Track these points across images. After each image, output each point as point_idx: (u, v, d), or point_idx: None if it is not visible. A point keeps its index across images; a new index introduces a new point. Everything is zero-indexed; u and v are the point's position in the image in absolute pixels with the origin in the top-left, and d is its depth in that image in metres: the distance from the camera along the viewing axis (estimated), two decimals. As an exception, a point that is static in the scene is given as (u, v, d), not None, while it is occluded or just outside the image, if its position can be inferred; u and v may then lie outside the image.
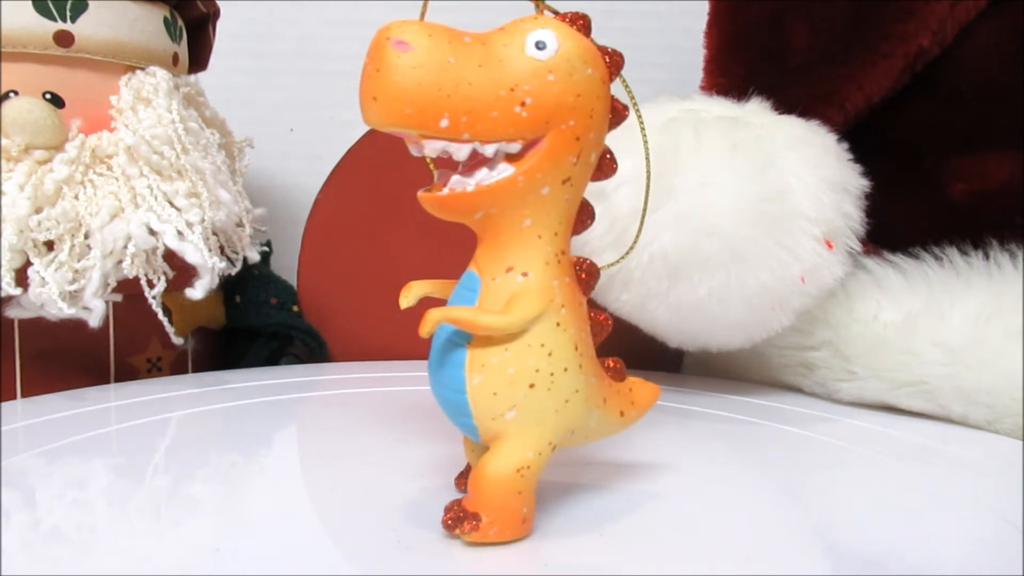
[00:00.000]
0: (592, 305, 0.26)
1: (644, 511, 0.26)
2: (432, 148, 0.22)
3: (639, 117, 0.26)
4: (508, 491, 0.23)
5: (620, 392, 0.26)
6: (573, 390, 0.24)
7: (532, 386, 0.23)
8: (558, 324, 0.23)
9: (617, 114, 0.25)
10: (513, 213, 0.23)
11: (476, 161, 0.23)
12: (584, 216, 0.25)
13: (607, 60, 0.24)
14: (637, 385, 0.27)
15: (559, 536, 0.24)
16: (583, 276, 0.25)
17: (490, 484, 0.23)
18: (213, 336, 0.50)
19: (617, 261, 0.29)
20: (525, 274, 0.23)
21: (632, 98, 0.26)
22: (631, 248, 0.28)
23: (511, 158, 0.23)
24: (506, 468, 0.23)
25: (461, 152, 0.22)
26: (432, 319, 0.23)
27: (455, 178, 0.23)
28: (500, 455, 0.23)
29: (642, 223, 0.28)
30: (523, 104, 0.22)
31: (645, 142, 0.27)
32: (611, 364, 0.26)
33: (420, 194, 0.23)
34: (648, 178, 0.27)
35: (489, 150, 0.22)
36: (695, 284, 0.36)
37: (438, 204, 0.23)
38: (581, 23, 0.24)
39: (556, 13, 0.24)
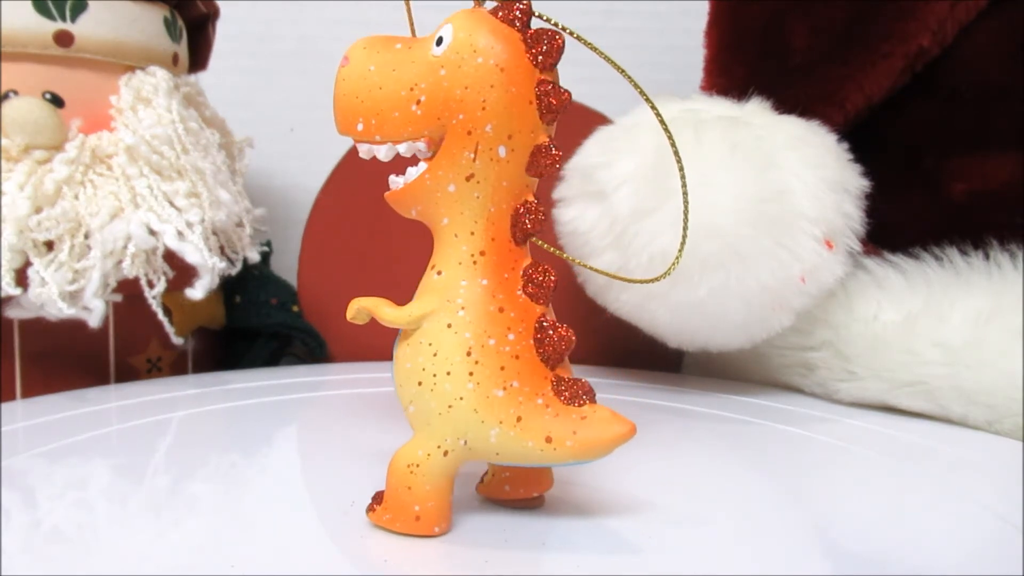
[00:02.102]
0: (561, 318, 0.24)
1: (643, 510, 0.26)
2: (363, 151, 0.24)
3: (659, 118, 0.25)
4: (398, 482, 0.24)
5: (560, 417, 0.23)
6: (456, 396, 0.23)
7: (420, 384, 0.23)
8: (449, 326, 0.23)
9: (543, 102, 0.23)
10: (433, 211, 0.24)
11: None
12: (529, 215, 0.24)
13: (529, 45, 0.23)
14: (597, 416, 0.23)
15: (555, 533, 0.24)
16: (529, 287, 0.24)
17: (388, 471, 0.24)
18: (213, 336, 0.50)
19: (661, 276, 0.27)
20: (440, 272, 0.24)
21: (649, 102, 0.24)
22: (675, 262, 0.26)
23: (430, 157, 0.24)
24: (399, 460, 0.24)
25: (381, 153, 0.24)
26: (352, 305, 0.24)
27: (391, 177, 0.25)
28: (402, 446, 0.24)
29: (683, 241, 0.27)
30: (418, 102, 0.23)
31: (675, 150, 0.25)
32: (565, 384, 0.23)
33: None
34: (684, 184, 0.26)
35: (401, 149, 0.24)
36: (695, 284, 0.36)
37: (386, 200, 0.25)
38: (517, 11, 0.23)
39: (499, 3, 0.23)
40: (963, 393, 0.36)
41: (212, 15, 0.50)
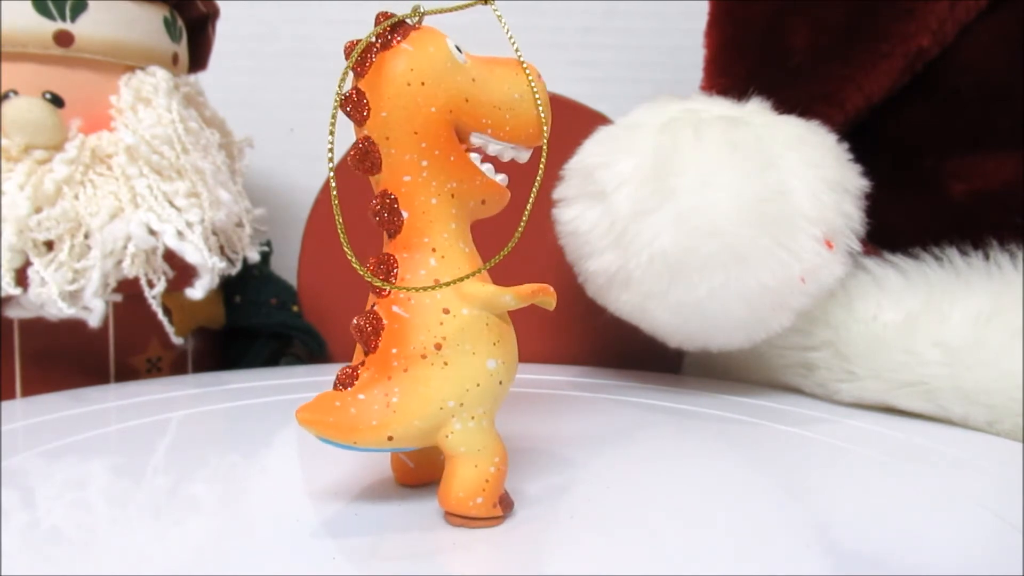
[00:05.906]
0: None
1: (643, 511, 0.26)
2: None
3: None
4: None
5: (327, 395, 0.25)
6: None
7: None
8: None
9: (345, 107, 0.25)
10: None
11: None
12: (372, 210, 0.27)
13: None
14: (316, 401, 0.24)
15: (554, 532, 0.24)
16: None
17: None
18: (213, 336, 0.50)
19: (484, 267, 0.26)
20: None
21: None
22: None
23: None
24: None
25: None
26: None
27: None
28: None
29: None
30: None
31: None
32: (348, 370, 0.25)
33: None
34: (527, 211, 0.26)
35: None
36: (695, 284, 0.36)
37: None
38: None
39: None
40: (963, 393, 0.36)
41: (212, 15, 0.50)
